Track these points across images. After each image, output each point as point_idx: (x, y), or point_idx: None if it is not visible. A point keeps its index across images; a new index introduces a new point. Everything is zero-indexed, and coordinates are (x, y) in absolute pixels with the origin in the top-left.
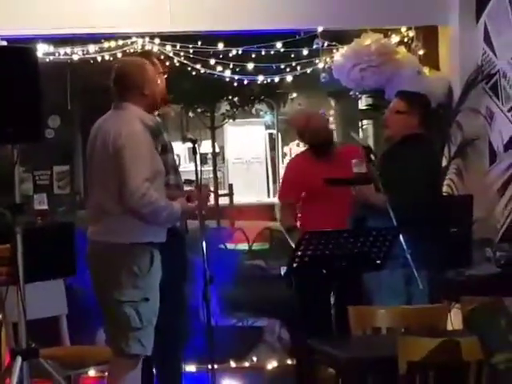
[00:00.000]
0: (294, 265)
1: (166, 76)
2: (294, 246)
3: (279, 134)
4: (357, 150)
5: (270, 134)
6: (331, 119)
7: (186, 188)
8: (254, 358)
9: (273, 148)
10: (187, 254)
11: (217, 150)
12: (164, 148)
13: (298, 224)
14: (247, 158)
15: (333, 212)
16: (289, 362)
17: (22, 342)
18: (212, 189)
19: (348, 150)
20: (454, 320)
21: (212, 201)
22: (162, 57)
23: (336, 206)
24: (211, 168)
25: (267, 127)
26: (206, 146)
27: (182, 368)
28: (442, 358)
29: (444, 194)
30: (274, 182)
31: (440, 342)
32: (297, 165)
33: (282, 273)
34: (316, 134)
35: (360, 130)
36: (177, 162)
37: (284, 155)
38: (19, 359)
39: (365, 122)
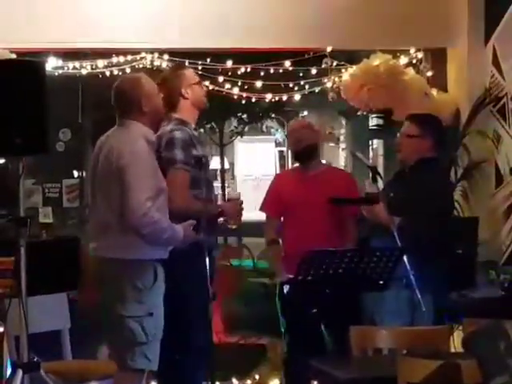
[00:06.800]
0: (297, 283)
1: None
2: (268, 260)
3: (289, 152)
4: (345, 174)
5: (280, 152)
6: (342, 138)
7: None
8: (257, 376)
9: (283, 165)
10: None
11: (227, 166)
12: (198, 161)
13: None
14: (257, 175)
15: (312, 230)
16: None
17: (24, 355)
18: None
19: (336, 170)
20: (457, 342)
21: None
22: None
23: (316, 225)
24: (220, 184)
25: (277, 144)
26: (215, 163)
27: None
28: (441, 380)
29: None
30: None
31: (440, 365)
32: (282, 178)
33: (285, 291)
34: (294, 140)
35: (370, 149)
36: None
37: None
38: (20, 372)
39: (374, 141)
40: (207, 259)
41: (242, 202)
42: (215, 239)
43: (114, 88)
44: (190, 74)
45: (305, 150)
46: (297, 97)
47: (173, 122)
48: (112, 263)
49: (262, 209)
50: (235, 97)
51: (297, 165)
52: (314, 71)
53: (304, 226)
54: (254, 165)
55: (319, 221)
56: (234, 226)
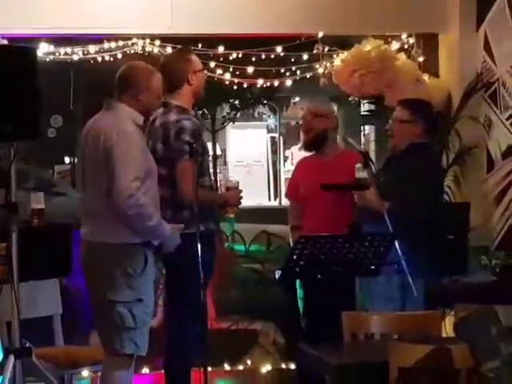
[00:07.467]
0: (289, 269)
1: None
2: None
3: (281, 138)
4: (356, 155)
5: (272, 138)
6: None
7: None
8: (249, 361)
9: (274, 151)
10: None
11: (219, 152)
12: (203, 150)
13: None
14: (249, 161)
15: (332, 215)
16: (283, 365)
17: (16, 340)
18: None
19: (351, 154)
20: (449, 327)
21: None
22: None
23: (335, 210)
24: (212, 170)
25: (269, 131)
26: None
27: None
28: (433, 364)
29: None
30: (275, 185)
31: (431, 349)
32: (301, 166)
33: (277, 276)
34: (303, 130)
35: (362, 135)
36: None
37: (285, 159)
38: (12, 358)
39: (366, 127)
40: (199, 246)
41: (241, 191)
42: (216, 227)
43: (123, 69)
44: (196, 60)
45: (314, 139)
46: (288, 82)
47: (174, 109)
48: (102, 248)
49: (286, 196)
50: (227, 82)
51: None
52: (305, 57)
53: (320, 212)
54: (245, 151)
55: (334, 207)
56: (232, 215)
